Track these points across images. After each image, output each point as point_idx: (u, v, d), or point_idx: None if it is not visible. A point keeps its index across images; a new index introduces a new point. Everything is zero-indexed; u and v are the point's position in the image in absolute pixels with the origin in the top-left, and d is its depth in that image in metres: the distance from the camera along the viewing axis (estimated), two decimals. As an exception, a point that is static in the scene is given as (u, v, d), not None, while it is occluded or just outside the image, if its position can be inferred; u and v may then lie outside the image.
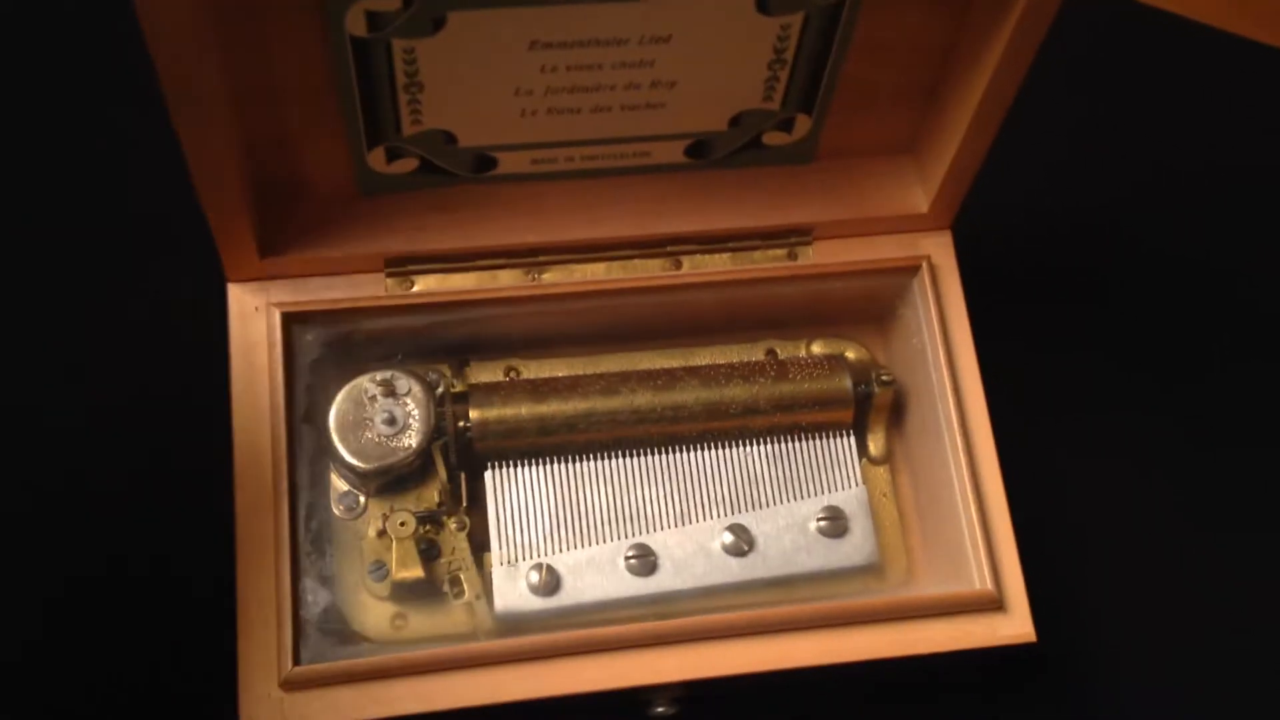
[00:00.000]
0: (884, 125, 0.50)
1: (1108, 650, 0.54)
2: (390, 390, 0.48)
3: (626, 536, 0.49)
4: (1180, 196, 0.65)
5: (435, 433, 0.48)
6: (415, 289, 0.48)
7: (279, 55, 0.41)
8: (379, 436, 0.48)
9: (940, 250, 0.51)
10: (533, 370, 0.52)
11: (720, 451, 0.50)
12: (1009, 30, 0.41)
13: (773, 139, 0.49)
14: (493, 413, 0.49)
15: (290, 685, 0.43)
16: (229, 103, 0.40)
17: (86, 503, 0.53)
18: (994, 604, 0.46)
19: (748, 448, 0.50)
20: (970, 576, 0.47)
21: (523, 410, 0.49)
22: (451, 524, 0.48)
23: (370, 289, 0.48)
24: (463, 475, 0.49)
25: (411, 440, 0.48)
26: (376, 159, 0.46)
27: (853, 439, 0.51)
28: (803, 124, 0.48)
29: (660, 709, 0.47)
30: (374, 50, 0.41)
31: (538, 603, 0.47)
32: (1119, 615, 0.55)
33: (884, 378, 0.51)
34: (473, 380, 0.51)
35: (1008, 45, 0.42)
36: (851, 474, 0.51)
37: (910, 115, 0.49)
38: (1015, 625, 0.46)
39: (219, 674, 0.44)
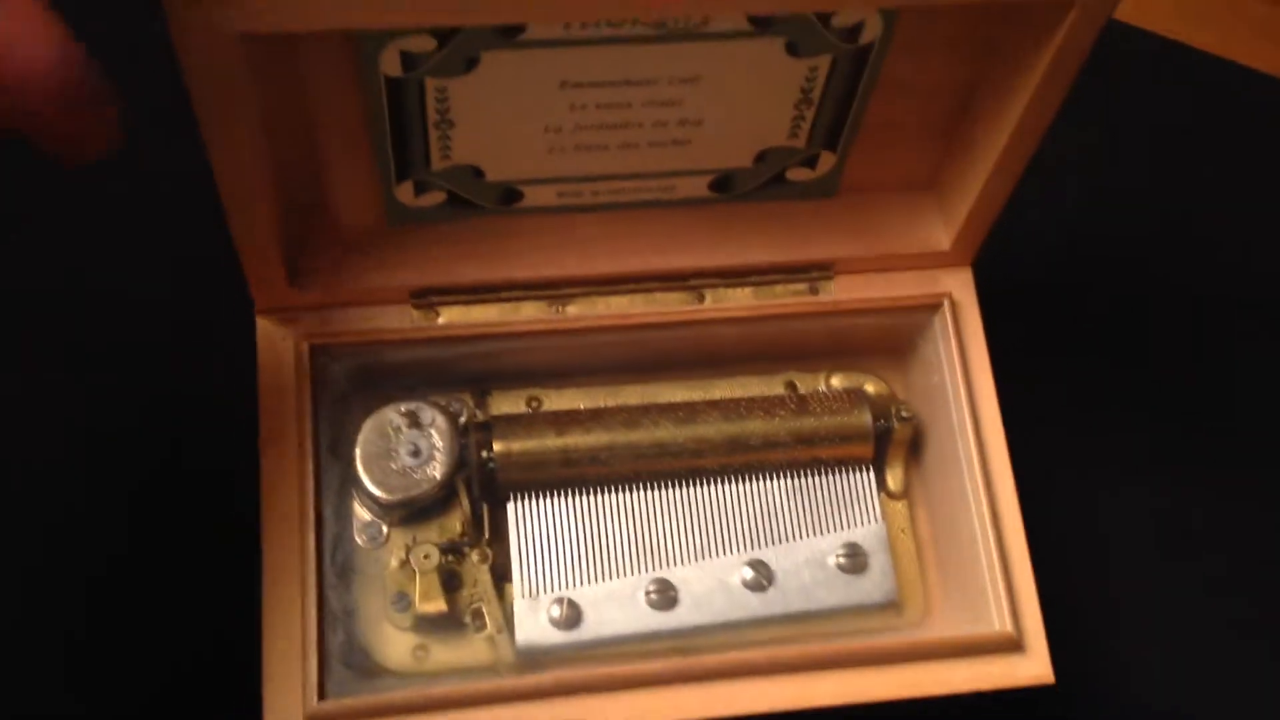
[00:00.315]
0: (907, 162, 0.50)
1: (1124, 690, 0.54)
2: (415, 421, 0.48)
3: (647, 570, 0.49)
4: (1204, 224, 0.66)
5: (459, 464, 0.48)
6: (441, 320, 0.49)
7: (312, 91, 0.42)
8: (403, 468, 0.48)
9: (961, 287, 0.51)
10: (554, 400, 0.52)
11: (740, 485, 0.50)
12: (1039, 73, 0.41)
13: (796, 175, 0.49)
14: (516, 445, 0.49)
15: (315, 720, 0.43)
16: (262, 137, 0.40)
17: (101, 532, 0.53)
18: (1013, 645, 0.47)
19: (768, 482, 0.51)
20: (989, 616, 0.47)
21: (546, 442, 0.49)
22: (474, 556, 0.49)
23: (396, 320, 0.48)
24: (485, 507, 0.49)
25: (436, 472, 0.48)
26: (404, 192, 0.46)
27: (872, 475, 0.51)
28: (826, 160, 0.49)
29: (680, 744, 0.48)
30: (407, 89, 0.41)
31: (559, 636, 0.48)
32: (1137, 654, 0.55)
33: (904, 413, 0.51)
34: (495, 410, 0.51)
35: (1037, 88, 0.42)
36: (871, 510, 0.51)
37: (934, 152, 0.49)
38: (1034, 667, 0.47)
39: (241, 711, 0.44)
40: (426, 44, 0.39)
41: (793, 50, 0.42)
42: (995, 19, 0.43)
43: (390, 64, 0.40)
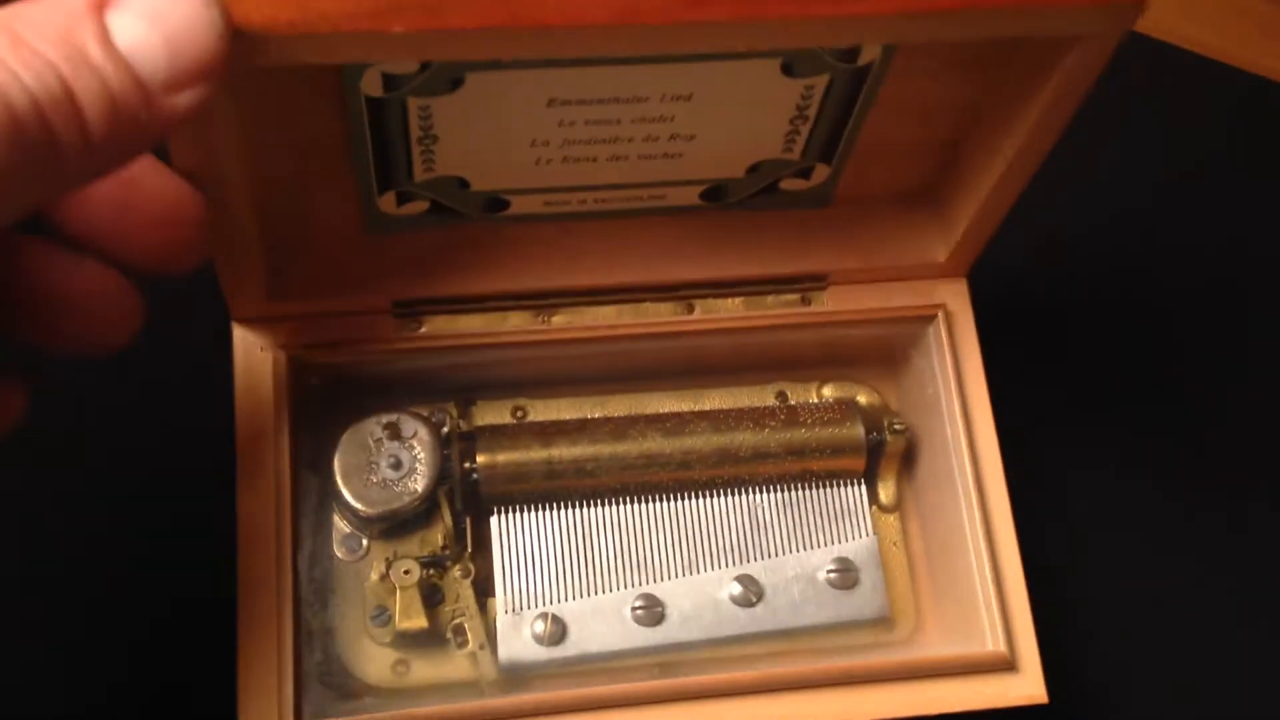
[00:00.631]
0: (904, 174, 0.49)
1: (1119, 711, 0.54)
2: (396, 433, 0.47)
3: (633, 585, 0.48)
4: (1206, 231, 0.64)
5: (441, 476, 0.47)
6: (423, 330, 0.47)
7: (291, 108, 0.40)
8: (384, 480, 0.47)
9: (956, 299, 0.50)
10: (540, 410, 0.51)
11: (729, 499, 0.50)
12: (1041, 103, 0.40)
13: (790, 185, 0.48)
14: (500, 456, 0.48)
15: (291, 743, 0.42)
16: (241, 159, 0.38)
17: (80, 546, 0.52)
18: (1006, 664, 0.46)
19: (757, 495, 0.50)
20: (982, 634, 0.46)
21: (530, 454, 0.48)
22: (456, 570, 0.48)
23: (378, 330, 0.47)
24: (468, 520, 0.48)
25: (417, 484, 0.47)
26: (387, 203, 0.45)
27: (864, 488, 0.50)
28: (821, 171, 0.47)
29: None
30: (389, 108, 0.40)
31: (543, 653, 0.47)
32: (1133, 674, 0.55)
33: (896, 425, 0.50)
34: (479, 420, 0.50)
35: (1039, 115, 0.40)
36: (862, 524, 0.50)
37: (932, 166, 0.48)
38: (1027, 686, 0.46)
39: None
40: (409, 65, 0.38)
41: (789, 70, 0.41)
42: (998, 48, 0.41)
43: (372, 85, 0.39)
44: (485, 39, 0.33)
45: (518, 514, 0.48)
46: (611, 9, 0.33)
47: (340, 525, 0.48)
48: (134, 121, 0.29)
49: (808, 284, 0.49)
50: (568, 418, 0.50)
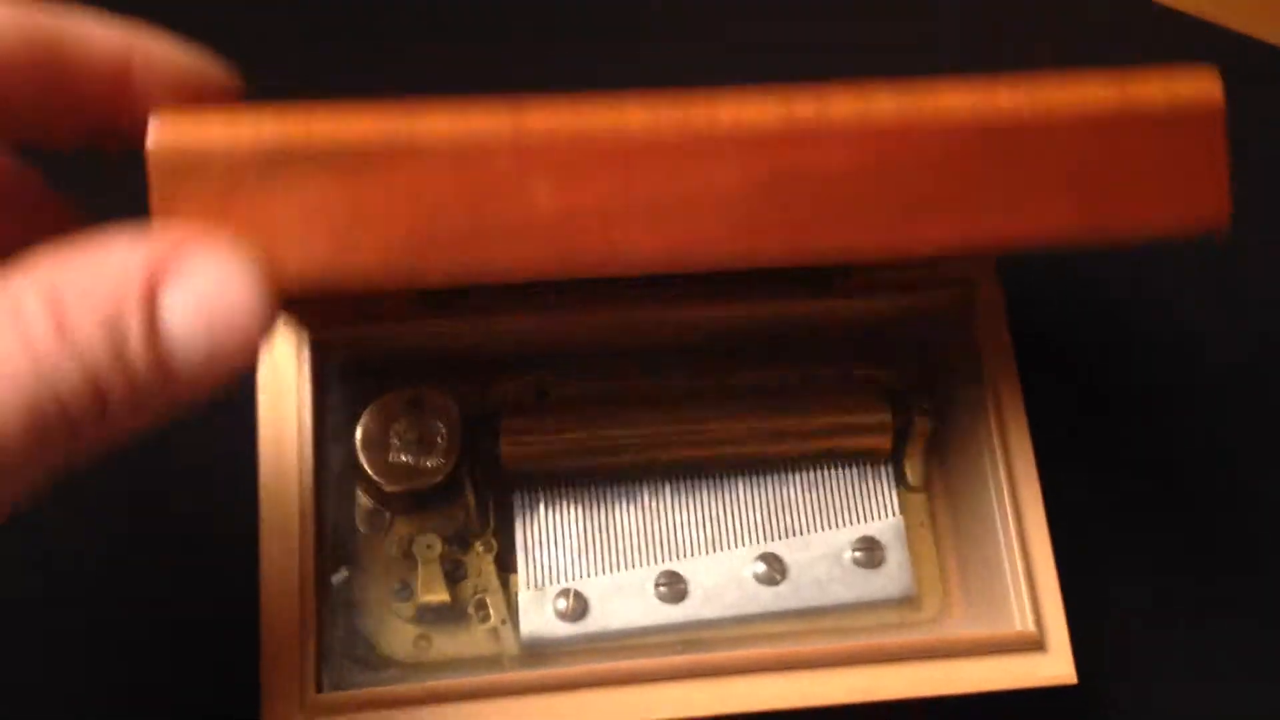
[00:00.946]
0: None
1: (1150, 692, 0.53)
2: (419, 409, 0.47)
3: (656, 563, 0.48)
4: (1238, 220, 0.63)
5: (463, 453, 0.47)
6: (444, 308, 0.47)
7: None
8: (406, 457, 0.47)
9: (985, 278, 0.49)
10: (562, 389, 0.51)
11: (753, 478, 0.49)
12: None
13: None
14: (523, 434, 0.48)
15: (313, 712, 0.42)
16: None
17: (99, 521, 0.52)
18: (1034, 644, 0.45)
19: (782, 474, 0.49)
20: (1010, 614, 0.46)
21: (553, 432, 0.48)
22: (478, 546, 0.48)
23: (399, 307, 0.47)
24: (490, 496, 0.48)
25: (440, 461, 0.47)
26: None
27: (890, 468, 0.50)
28: None
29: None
30: None
31: (564, 629, 0.47)
32: (1163, 655, 0.54)
33: (924, 406, 0.50)
34: (501, 399, 0.50)
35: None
36: (888, 503, 0.49)
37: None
38: (1056, 666, 0.45)
39: (239, 704, 0.43)
40: None
41: None
42: None
43: None
44: (525, 274, 0.33)
45: (540, 491, 0.48)
46: (659, 247, 0.32)
47: (363, 500, 0.48)
48: (152, 408, 0.29)
49: (835, 267, 0.49)
50: (590, 396, 0.50)
